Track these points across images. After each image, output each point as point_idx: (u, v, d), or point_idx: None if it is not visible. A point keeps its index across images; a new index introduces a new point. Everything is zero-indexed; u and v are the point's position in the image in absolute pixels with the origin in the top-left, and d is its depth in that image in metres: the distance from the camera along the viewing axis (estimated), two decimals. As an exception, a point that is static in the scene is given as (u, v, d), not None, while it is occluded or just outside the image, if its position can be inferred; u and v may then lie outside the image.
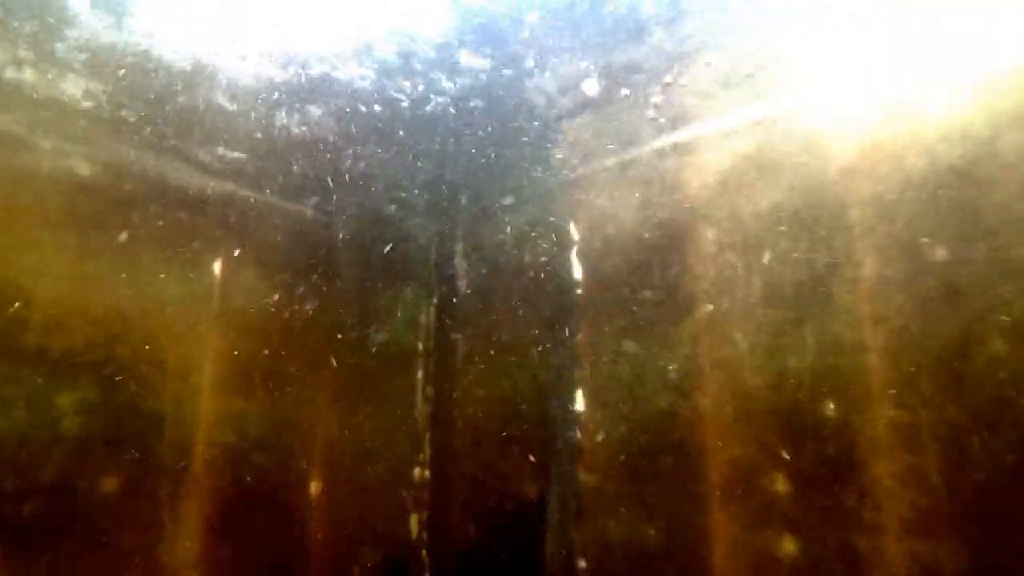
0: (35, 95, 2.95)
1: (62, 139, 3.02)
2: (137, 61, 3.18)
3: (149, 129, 3.20)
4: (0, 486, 2.69)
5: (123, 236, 3.14)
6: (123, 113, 3.14)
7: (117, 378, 3.04)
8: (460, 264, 4.15)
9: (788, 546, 2.58)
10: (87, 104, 3.09)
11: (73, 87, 3.03)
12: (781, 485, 2.63)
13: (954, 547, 2.19)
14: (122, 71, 3.12)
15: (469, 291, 4.08)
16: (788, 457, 2.61)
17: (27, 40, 2.89)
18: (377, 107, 3.66)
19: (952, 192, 2.29)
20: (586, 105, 3.13)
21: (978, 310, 2.19)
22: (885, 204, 2.46)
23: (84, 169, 3.06)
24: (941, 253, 2.30)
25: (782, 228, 2.73)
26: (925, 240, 2.35)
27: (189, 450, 3.25)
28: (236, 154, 3.49)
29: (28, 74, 2.93)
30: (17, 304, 2.83)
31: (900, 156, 2.44)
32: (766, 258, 2.76)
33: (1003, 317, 2.13)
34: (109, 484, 2.97)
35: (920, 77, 2.46)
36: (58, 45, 2.96)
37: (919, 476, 2.28)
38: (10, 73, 2.89)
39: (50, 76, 2.98)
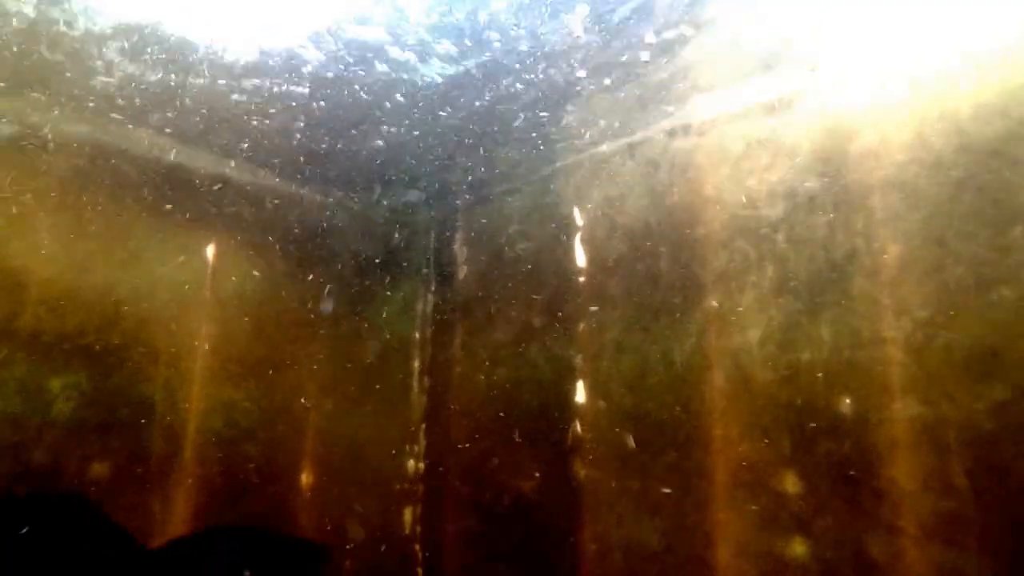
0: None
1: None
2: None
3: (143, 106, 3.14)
4: (-5, 468, 2.71)
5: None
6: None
7: (110, 360, 3.05)
8: (460, 250, 4.08)
9: (797, 548, 2.48)
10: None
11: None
12: (791, 484, 2.52)
13: (979, 556, 2.07)
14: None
15: (468, 278, 4.01)
16: (799, 455, 2.50)
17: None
18: (375, 89, 3.56)
19: (986, 173, 2.15)
20: (591, 82, 3.01)
21: (1013, 301, 2.06)
22: (911, 187, 2.32)
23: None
24: (972, 240, 2.17)
25: (797, 214, 2.61)
26: (955, 225, 2.21)
27: (179, 438, 3.24)
28: (230, 135, 3.42)
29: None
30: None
31: (928, 136, 2.30)
32: (780, 245, 2.65)
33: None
34: (99, 469, 2.98)
35: (950, 51, 2.32)
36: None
37: (942, 479, 2.16)
38: None
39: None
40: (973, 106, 2.22)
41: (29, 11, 2.57)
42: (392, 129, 3.55)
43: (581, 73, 2.91)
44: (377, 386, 3.95)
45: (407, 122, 3.44)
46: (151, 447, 3.14)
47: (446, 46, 2.84)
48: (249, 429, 3.46)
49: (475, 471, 3.70)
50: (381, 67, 2.99)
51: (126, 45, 2.76)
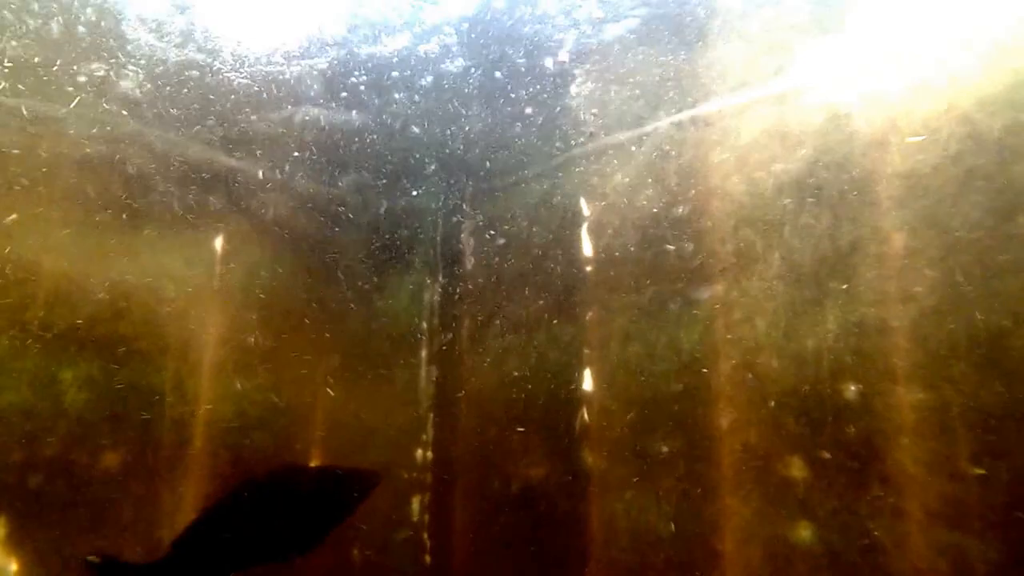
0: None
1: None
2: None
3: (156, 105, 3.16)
4: (7, 458, 2.74)
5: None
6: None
7: (120, 351, 3.05)
8: (467, 241, 4.07)
9: (803, 533, 2.51)
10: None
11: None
12: (797, 470, 2.55)
13: (985, 539, 2.10)
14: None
15: (476, 269, 4.01)
16: (805, 441, 2.52)
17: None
18: (381, 82, 3.57)
19: (991, 164, 2.18)
20: (599, 73, 3.01)
21: (1017, 289, 2.09)
22: (916, 178, 2.34)
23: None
24: (977, 229, 2.19)
25: (804, 203, 2.63)
26: (960, 215, 2.23)
27: (189, 428, 3.25)
28: (239, 130, 3.43)
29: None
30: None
31: (934, 128, 2.32)
32: (786, 234, 2.67)
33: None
34: (110, 460, 3.00)
35: (957, 42, 2.33)
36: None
37: (947, 463, 2.19)
38: None
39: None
40: (980, 97, 2.24)
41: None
42: (401, 120, 3.56)
43: (592, 64, 2.92)
44: (385, 376, 3.95)
45: (418, 114, 3.45)
46: (162, 437, 3.15)
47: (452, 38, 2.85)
48: (258, 419, 3.46)
49: (483, 459, 3.72)
50: (393, 60, 3.00)
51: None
